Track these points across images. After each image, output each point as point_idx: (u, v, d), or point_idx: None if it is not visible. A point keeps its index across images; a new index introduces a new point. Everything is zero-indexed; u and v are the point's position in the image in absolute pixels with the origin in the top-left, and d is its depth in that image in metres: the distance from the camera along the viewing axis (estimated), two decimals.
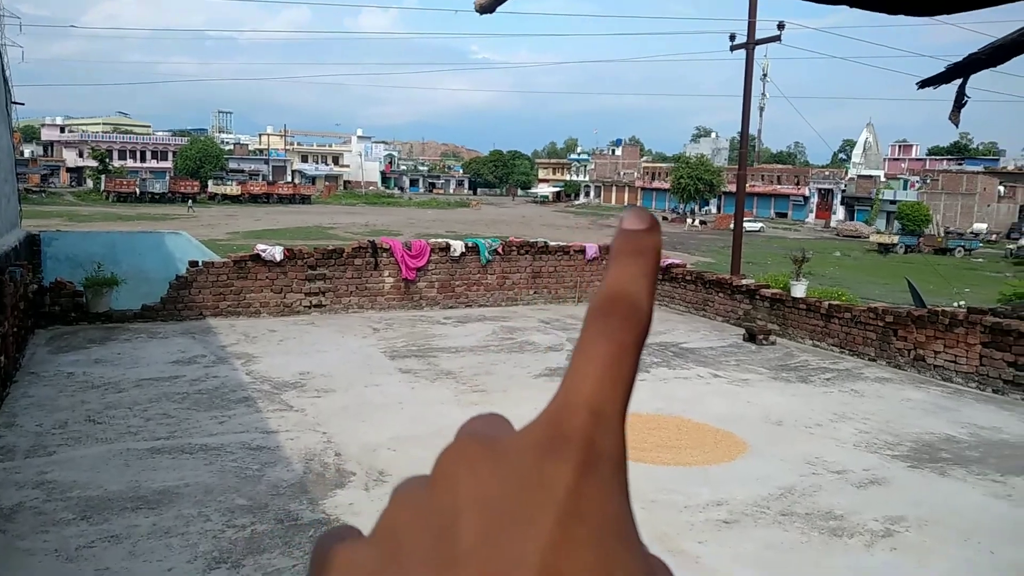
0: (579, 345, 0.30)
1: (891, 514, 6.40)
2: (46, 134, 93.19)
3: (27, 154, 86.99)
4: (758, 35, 18.07)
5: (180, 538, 5.50)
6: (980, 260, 54.73)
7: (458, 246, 15.90)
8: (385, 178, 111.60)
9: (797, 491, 6.84)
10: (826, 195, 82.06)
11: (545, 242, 17.16)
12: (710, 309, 15.63)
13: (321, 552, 0.32)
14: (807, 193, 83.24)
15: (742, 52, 18.09)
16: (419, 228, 49.01)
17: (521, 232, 36.02)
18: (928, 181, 76.15)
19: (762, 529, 6.07)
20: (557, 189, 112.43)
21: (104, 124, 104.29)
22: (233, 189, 79.28)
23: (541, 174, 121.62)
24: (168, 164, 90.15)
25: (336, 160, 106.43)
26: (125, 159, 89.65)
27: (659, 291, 16.96)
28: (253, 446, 7.40)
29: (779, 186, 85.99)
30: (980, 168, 79.63)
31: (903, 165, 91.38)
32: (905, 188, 74.32)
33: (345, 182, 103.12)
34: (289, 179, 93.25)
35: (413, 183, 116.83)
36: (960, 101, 3.01)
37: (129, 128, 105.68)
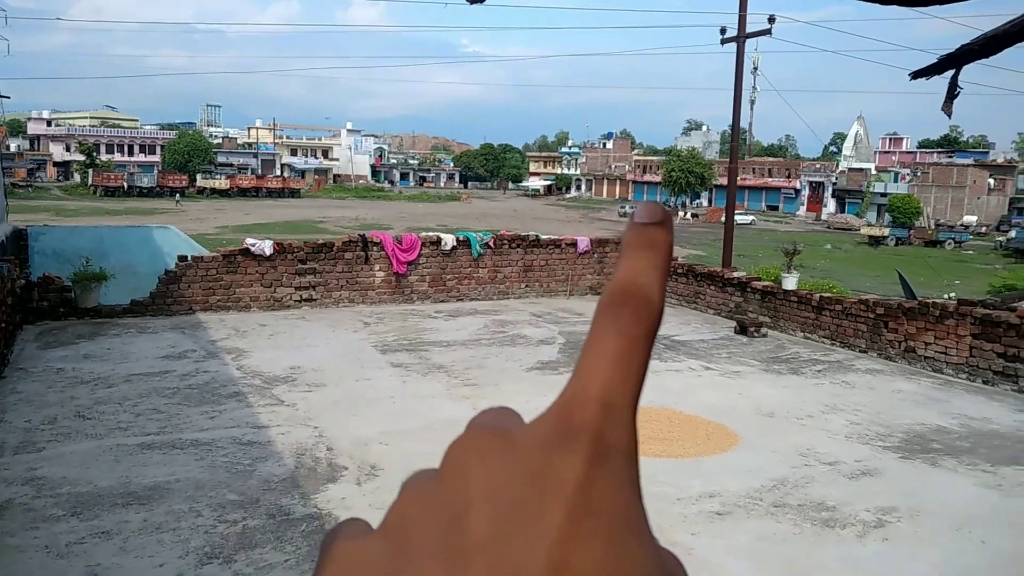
0: (590, 338, 0.30)
1: (883, 505, 6.43)
2: (32, 128, 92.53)
3: (13, 148, 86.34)
4: (749, 28, 18.07)
5: (171, 533, 5.47)
6: (970, 252, 55.01)
7: (449, 240, 15.87)
8: (375, 172, 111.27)
9: (789, 483, 6.86)
10: (817, 188, 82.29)
11: (536, 236, 17.14)
12: (701, 302, 15.64)
13: (330, 545, 0.31)
14: (798, 186, 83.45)
15: (733, 45, 18.09)
16: (410, 222, 48.90)
17: (512, 226, 35.99)
18: (918, 174, 76.45)
19: (755, 521, 6.08)
20: (548, 183, 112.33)
21: (91, 118, 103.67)
22: (222, 183, 78.95)
23: (532, 168, 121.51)
24: (156, 158, 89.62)
25: (325, 154, 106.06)
26: (113, 153, 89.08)
27: None
28: (244, 441, 7.37)
29: (770, 179, 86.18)
30: (970, 161, 79.98)
31: (894, 158, 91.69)
32: (896, 181, 74.64)
33: (335, 176, 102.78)
34: (278, 173, 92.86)
35: (403, 177, 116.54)
36: (953, 92, 3.01)
37: (117, 122, 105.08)
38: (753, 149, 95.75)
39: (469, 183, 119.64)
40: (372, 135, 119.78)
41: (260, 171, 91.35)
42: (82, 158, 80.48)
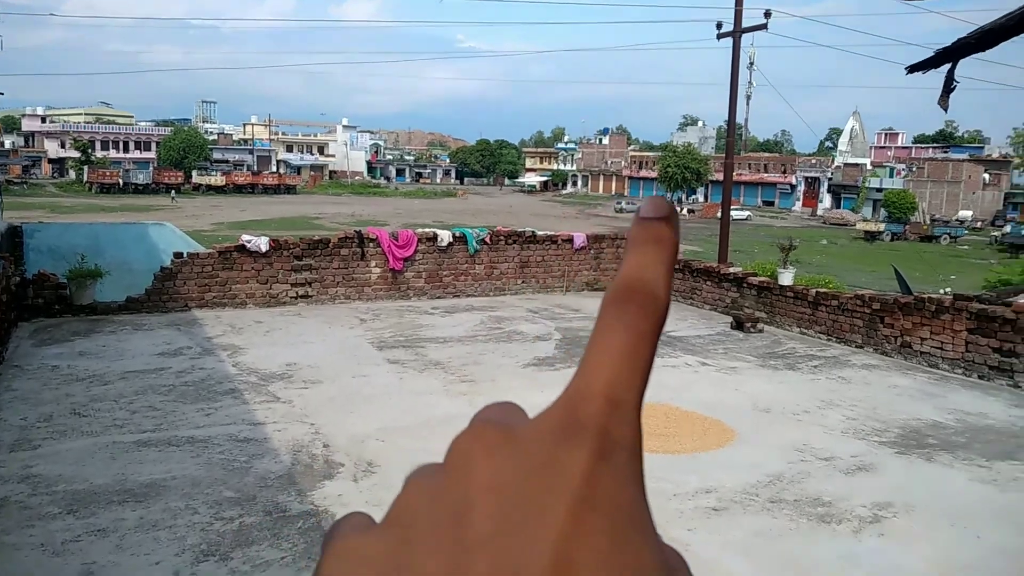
0: (595, 333, 0.30)
1: (879, 500, 6.44)
2: (27, 124, 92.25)
3: (8, 145, 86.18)
4: (745, 23, 18.06)
5: (168, 531, 5.46)
6: (965, 247, 55.13)
7: (445, 236, 15.85)
8: (371, 168, 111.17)
9: (785, 478, 6.87)
10: (813, 183, 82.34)
11: (533, 231, 17.13)
12: (698, 297, 15.65)
13: (333, 538, 0.31)
14: (794, 181, 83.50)
15: (729, 40, 18.07)
16: (406, 218, 48.88)
17: (508, 222, 35.98)
18: (914, 169, 76.55)
19: (751, 516, 6.09)
20: (544, 178, 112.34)
21: (86, 114, 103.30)
22: (218, 180, 78.82)
23: (528, 163, 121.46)
24: (152, 155, 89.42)
25: (321, 150, 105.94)
26: (108, 150, 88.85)
27: None
28: (240, 438, 7.36)
29: (766, 174, 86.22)
30: (965, 156, 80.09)
31: (889, 153, 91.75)
32: (891, 176, 74.71)
33: (331, 172, 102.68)
34: (274, 169, 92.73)
35: (399, 173, 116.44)
36: (949, 86, 3.00)
37: (112, 118, 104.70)
38: (749, 144, 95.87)
39: (465, 179, 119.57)
40: (368, 131, 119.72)
41: (256, 167, 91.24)
42: (77, 155, 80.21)
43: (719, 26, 18.70)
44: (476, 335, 12.36)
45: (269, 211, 55.21)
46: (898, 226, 60.57)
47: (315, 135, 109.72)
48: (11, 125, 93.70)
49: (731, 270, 15.24)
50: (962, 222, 64.69)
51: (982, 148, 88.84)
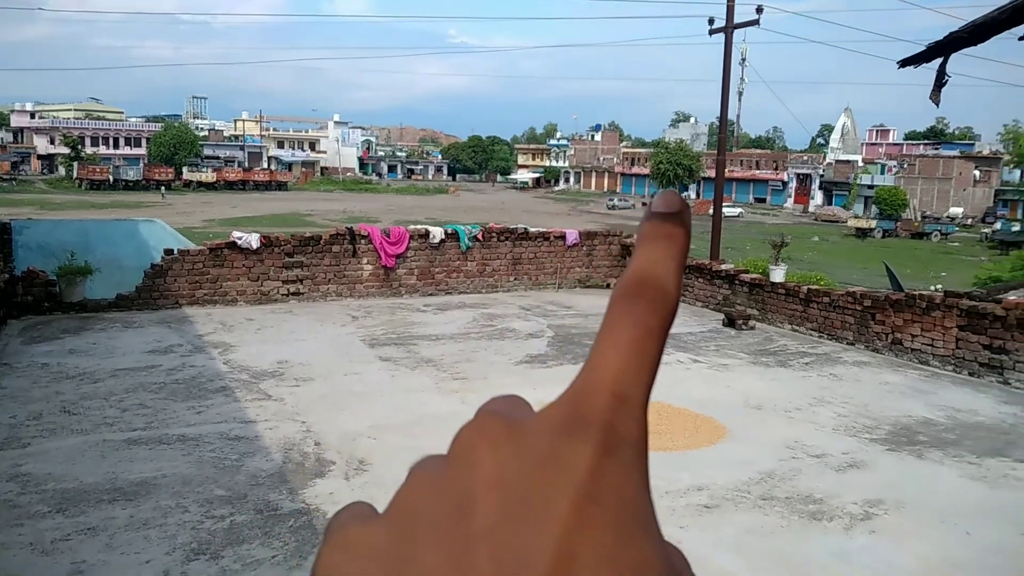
0: (604, 327, 0.30)
1: (870, 497, 6.46)
2: (16, 120, 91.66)
3: None
4: (737, 19, 18.07)
5: (158, 530, 5.44)
6: (956, 244, 55.39)
7: (437, 233, 15.82)
8: (363, 164, 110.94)
9: (777, 475, 6.88)
10: (804, 180, 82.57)
11: (525, 228, 17.12)
12: (689, 294, 15.67)
13: (334, 527, 0.31)
14: (786, 178, 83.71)
15: (721, 36, 18.09)
16: (398, 215, 48.82)
17: (501, 218, 35.95)
18: (905, 166, 76.84)
19: (743, 513, 6.10)
20: (537, 175, 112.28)
21: (76, 110, 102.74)
22: (208, 176, 78.47)
23: (520, 160, 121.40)
24: (142, 151, 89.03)
25: (313, 146, 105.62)
26: (98, 146, 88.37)
27: None
28: (231, 436, 7.33)
29: (758, 171, 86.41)
30: (956, 153, 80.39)
31: (880, 150, 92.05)
32: (882, 173, 75.01)
33: (322, 168, 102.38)
34: (265, 166, 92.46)
35: (391, 169, 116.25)
36: (940, 80, 3.00)
37: (101, 114, 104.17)
38: (741, 141, 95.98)
39: (457, 175, 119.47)
40: (360, 127, 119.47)
41: (247, 164, 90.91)
42: (67, 151, 79.76)
43: (711, 22, 18.72)
44: (468, 332, 12.35)
45: (260, 208, 55.05)
46: (889, 223, 60.84)
47: (306, 131, 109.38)
48: (0, 121, 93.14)
49: (723, 267, 15.26)
50: (953, 219, 64.99)
51: (973, 145, 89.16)
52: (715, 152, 19.97)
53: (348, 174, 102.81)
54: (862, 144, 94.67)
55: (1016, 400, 9.57)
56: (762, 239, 26.60)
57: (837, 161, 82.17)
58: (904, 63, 3.12)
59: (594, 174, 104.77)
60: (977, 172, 75.81)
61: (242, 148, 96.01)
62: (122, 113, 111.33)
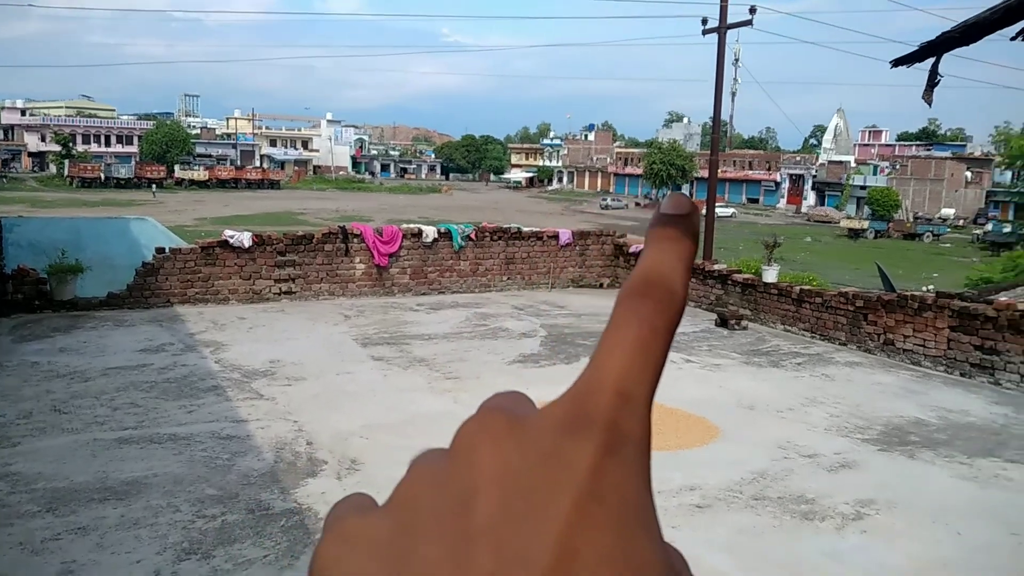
0: (610, 326, 0.30)
1: (861, 497, 6.47)
2: (6, 117, 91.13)
3: None
4: (730, 19, 18.10)
5: (149, 529, 5.41)
6: (948, 245, 55.64)
7: (430, 232, 15.80)
8: (356, 163, 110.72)
9: (769, 475, 6.89)
10: (797, 180, 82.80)
11: (518, 228, 17.12)
12: None
13: (334, 518, 0.31)
14: (778, 179, 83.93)
15: (714, 37, 18.12)
16: (391, 214, 48.76)
17: (494, 218, 35.94)
18: (897, 167, 77.12)
19: (735, 513, 6.10)
20: (530, 175, 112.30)
21: (67, 107, 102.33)
22: (200, 174, 78.24)
23: (514, 159, 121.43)
24: (134, 148, 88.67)
25: (305, 145, 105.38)
26: (89, 143, 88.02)
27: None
28: (223, 435, 7.31)
29: (751, 172, 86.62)
30: (948, 154, 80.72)
31: (873, 151, 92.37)
32: (875, 173, 75.26)
33: (315, 167, 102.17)
34: (257, 164, 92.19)
35: (384, 168, 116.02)
36: (933, 80, 3.00)
37: (93, 112, 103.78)
38: (734, 141, 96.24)
39: (450, 175, 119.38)
40: (352, 126, 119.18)
41: (239, 162, 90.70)
42: (58, 148, 79.38)
43: (704, 22, 18.76)
44: (461, 332, 12.33)
45: (252, 206, 54.92)
46: (881, 224, 61.09)
47: (299, 129, 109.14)
48: None
49: (716, 267, 15.28)
50: (944, 220, 65.27)
51: (964, 146, 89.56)
52: (708, 152, 20.01)
53: (341, 173, 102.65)
54: (855, 145, 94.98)
55: (1007, 401, 9.61)
56: (755, 239, 26.67)
57: (830, 162, 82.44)
58: (896, 63, 3.12)
59: (587, 174, 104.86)
60: (969, 173, 76.15)
61: (234, 146, 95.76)
62: (114, 111, 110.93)
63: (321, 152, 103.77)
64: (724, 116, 19.21)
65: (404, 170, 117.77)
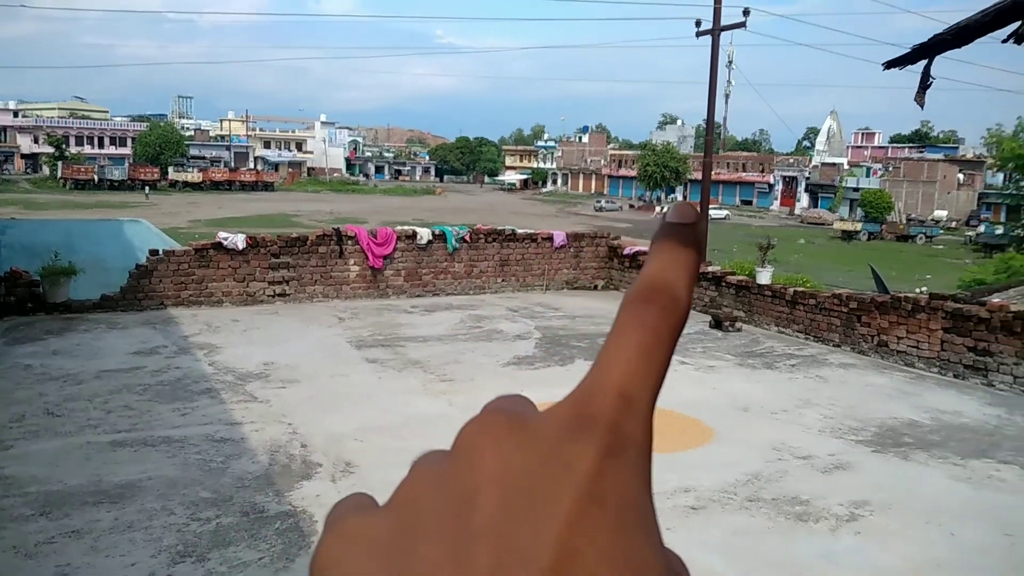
0: (614, 330, 0.30)
1: (855, 498, 6.49)
2: None
3: None
4: (724, 21, 18.15)
5: (143, 532, 5.40)
6: (940, 247, 55.83)
7: (425, 234, 15.79)
8: (350, 165, 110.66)
9: (763, 477, 6.90)
10: (790, 183, 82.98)
11: (513, 230, 17.11)
12: None
13: (335, 517, 0.31)
14: (772, 181, 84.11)
15: (708, 39, 18.15)
16: (385, 216, 48.70)
17: (488, 220, 35.92)
18: (890, 169, 77.39)
19: (729, 515, 6.11)
20: (524, 176, 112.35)
21: (60, 109, 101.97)
22: (194, 176, 78.06)
23: (508, 161, 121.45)
24: (127, 150, 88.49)
25: (299, 146, 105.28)
26: (82, 145, 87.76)
27: (624, 279, 17.03)
28: (217, 438, 7.29)
29: (744, 173, 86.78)
30: (940, 156, 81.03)
31: (866, 153, 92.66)
32: (868, 176, 75.52)
33: (309, 169, 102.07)
34: (252, 166, 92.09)
35: (378, 170, 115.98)
36: (925, 82, 3.01)
37: (86, 113, 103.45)
38: (728, 143, 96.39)
39: (445, 177, 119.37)
40: (346, 127, 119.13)
41: (233, 164, 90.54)
42: (51, 150, 79.12)
43: (698, 24, 18.79)
44: (456, 334, 12.33)
45: (246, 208, 54.83)
46: (875, 225, 61.27)
47: (293, 131, 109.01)
48: None
49: (710, 269, 15.31)
50: (937, 222, 65.52)
51: (957, 148, 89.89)
52: (702, 154, 20.03)
53: (335, 175, 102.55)
54: (848, 147, 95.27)
55: (1000, 402, 9.65)
56: (748, 241, 26.72)
57: (823, 164, 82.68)
58: (889, 65, 3.14)
59: (581, 176, 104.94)
60: (961, 175, 76.46)
61: (228, 148, 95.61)
62: (107, 112, 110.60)
63: (315, 154, 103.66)
64: (718, 118, 19.24)
65: (398, 172, 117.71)
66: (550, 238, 17.08)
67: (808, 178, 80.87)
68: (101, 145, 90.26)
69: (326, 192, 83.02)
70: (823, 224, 67.69)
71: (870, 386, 10.22)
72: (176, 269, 13.48)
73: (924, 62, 2.96)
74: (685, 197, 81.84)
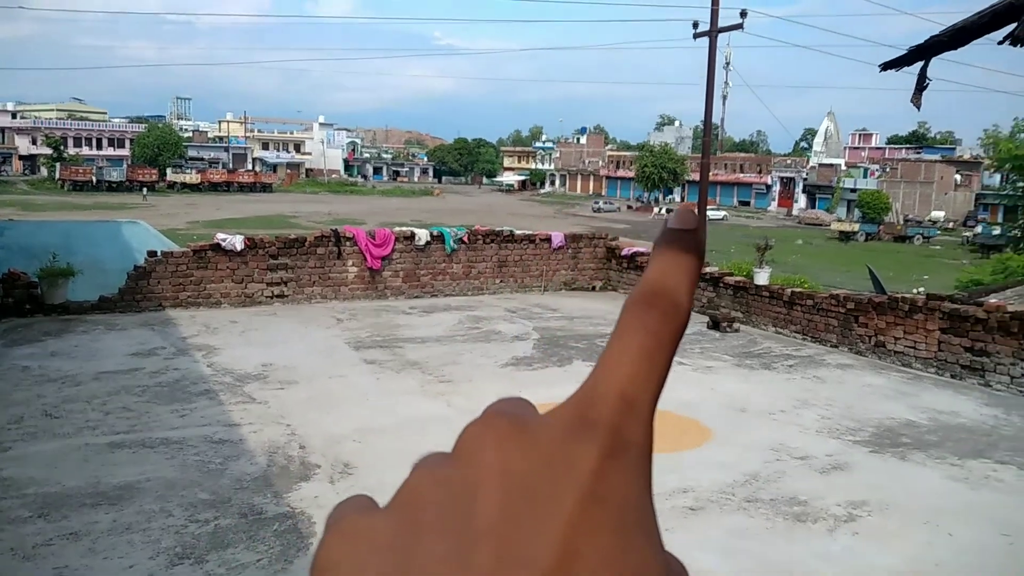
0: (616, 334, 0.31)
1: (853, 499, 6.50)
2: None
3: None
4: (721, 23, 18.16)
5: (142, 534, 5.40)
6: (938, 247, 55.89)
7: (423, 235, 15.80)
8: (348, 166, 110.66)
9: (761, 477, 6.91)
10: (788, 183, 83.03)
11: (511, 231, 17.12)
12: None
13: (337, 517, 0.32)
14: (769, 181, 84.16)
15: (706, 40, 18.17)
16: (383, 217, 48.69)
17: (487, 221, 35.92)
18: (887, 170, 77.47)
19: (728, 516, 6.12)
20: (522, 178, 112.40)
21: (58, 110, 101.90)
22: (193, 177, 78.11)
23: (506, 162, 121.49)
24: (125, 152, 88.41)
25: (298, 148, 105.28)
26: (81, 146, 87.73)
27: (623, 280, 17.04)
28: (215, 439, 7.29)
29: (742, 175, 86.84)
30: (937, 157, 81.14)
31: (863, 154, 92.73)
32: (865, 176, 75.57)
33: (307, 170, 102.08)
34: (250, 167, 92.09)
35: (377, 171, 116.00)
36: (922, 84, 3.02)
37: (84, 115, 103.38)
38: (725, 145, 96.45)
39: (443, 178, 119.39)
40: (345, 129, 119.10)
41: (231, 165, 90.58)
42: (49, 151, 79.10)
43: (696, 26, 18.80)
44: (454, 335, 12.33)
45: (245, 209, 54.81)
46: (872, 226, 61.33)
47: (291, 133, 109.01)
48: None
49: (707, 270, 15.32)
50: (934, 222, 65.59)
51: (954, 149, 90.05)
52: (699, 156, 20.05)
53: (333, 176, 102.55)
54: (845, 148, 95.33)
55: (997, 402, 9.66)
56: (746, 242, 26.73)
57: (820, 165, 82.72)
58: (886, 67, 3.15)
59: (579, 177, 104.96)
60: (958, 176, 76.56)
61: (226, 149, 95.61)
62: (105, 114, 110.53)
63: (313, 155, 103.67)
64: (715, 119, 19.28)
65: (396, 173, 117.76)
66: (548, 239, 17.09)
67: (805, 179, 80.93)
68: (99, 146, 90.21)
69: (324, 193, 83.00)
70: (821, 225, 67.76)
71: (867, 386, 10.24)
72: (174, 270, 13.47)
73: (921, 64, 2.97)
74: (683, 198, 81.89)
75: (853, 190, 72.29)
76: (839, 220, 65.47)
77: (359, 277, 15.08)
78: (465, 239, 16.17)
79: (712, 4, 17.95)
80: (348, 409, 8.40)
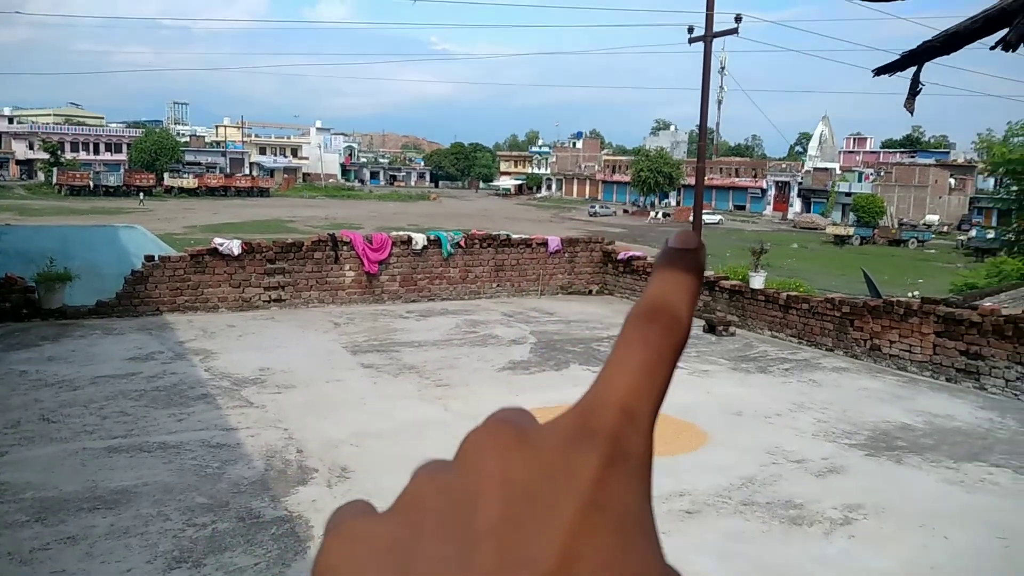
0: (617, 346, 0.31)
1: (849, 502, 6.52)
2: None
3: None
4: (716, 28, 18.20)
5: (139, 538, 5.40)
6: (932, 251, 56.00)
7: (420, 239, 15.82)
8: (345, 170, 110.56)
9: (757, 481, 6.93)
10: (783, 188, 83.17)
11: (508, 235, 17.14)
12: None
13: (336, 523, 0.32)
14: (764, 186, 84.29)
15: (701, 45, 18.21)
16: (380, 221, 48.68)
17: (483, 225, 35.91)
18: (882, 174, 77.62)
19: (724, 519, 6.14)
20: (519, 182, 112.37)
21: (55, 115, 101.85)
22: (190, 182, 78.05)
23: (503, 167, 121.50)
24: (123, 157, 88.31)
25: (295, 152, 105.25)
26: (78, 151, 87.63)
27: (619, 284, 17.07)
28: (213, 443, 7.30)
29: (737, 179, 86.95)
30: (932, 161, 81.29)
31: (858, 158, 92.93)
32: (860, 180, 75.69)
33: (304, 175, 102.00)
34: (247, 172, 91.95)
35: (374, 176, 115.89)
36: (915, 89, 3.05)
37: (81, 120, 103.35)
38: (720, 149, 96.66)
39: (440, 182, 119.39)
40: (342, 133, 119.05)
41: (229, 170, 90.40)
42: (46, 156, 79.04)
43: (691, 31, 18.83)
44: (451, 339, 12.35)
45: (242, 214, 54.77)
46: (867, 230, 61.48)
47: (288, 137, 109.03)
48: None
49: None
50: (929, 226, 65.69)
51: (948, 153, 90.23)
52: (695, 160, 20.09)
53: (330, 180, 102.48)
54: (840, 152, 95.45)
55: (992, 405, 9.70)
56: (742, 246, 26.79)
57: (815, 169, 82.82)
58: (879, 72, 3.17)
59: (576, 181, 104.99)
60: (952, 180, 76.71)
61: (224, 154, 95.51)
62: (102, 118, 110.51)
63: (310, 160, 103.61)
64: (711, 124, 19.30)
65: (393, 178, 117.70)
66: (545, 243, 17.12)
67: (800, 183, 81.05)
68: (96, 151, 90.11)
69: (321, 198, 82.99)
70: (816, 229, 67.84)
71: (863, 390, 10.27)
72: (172, 275, 13.47)
73: (914, 68, 3.00)
74: (679, 202, 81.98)
75: (848, 194, 72.40)
76: (834, 224, 65.54)
77: (356, 281, 15.09)
78: (462, 243, 16.19)
79: (707, 9, 17.99)
80: (345, 413, 8.41)
